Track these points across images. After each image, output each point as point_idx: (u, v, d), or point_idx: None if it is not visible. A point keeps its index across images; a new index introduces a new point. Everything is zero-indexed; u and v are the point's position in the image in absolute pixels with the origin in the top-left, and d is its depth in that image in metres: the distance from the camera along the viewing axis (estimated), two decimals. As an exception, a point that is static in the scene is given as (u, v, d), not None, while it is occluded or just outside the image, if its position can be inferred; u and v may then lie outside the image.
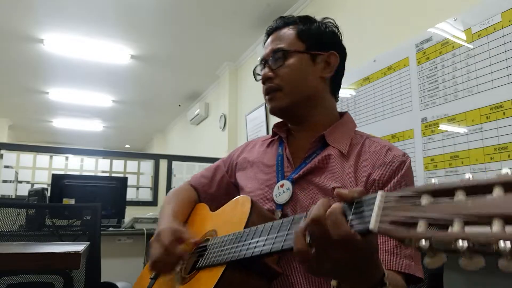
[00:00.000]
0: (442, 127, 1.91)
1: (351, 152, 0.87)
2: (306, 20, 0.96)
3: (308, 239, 0.53)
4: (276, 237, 0.61)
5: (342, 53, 0.96)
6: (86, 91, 5.65)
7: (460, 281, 1.70)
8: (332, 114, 0.95)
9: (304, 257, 0.53)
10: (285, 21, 0.96)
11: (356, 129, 0.96)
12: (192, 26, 3.78)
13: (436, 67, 1.97)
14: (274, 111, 0.94)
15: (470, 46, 1.80)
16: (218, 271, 0.70)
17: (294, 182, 0.86)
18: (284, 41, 0.92)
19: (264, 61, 0.95)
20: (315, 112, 0.93)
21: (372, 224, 0.46)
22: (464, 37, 1.84)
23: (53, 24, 3.73)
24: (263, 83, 0.94)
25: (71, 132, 7.92)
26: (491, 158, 1.67)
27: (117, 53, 4.33)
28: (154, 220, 3.13)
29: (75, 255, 0.80)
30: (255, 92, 4.21)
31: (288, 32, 0.93)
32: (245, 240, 0.68)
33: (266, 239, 0.62)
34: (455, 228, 0.36)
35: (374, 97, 2.37)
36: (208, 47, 4.24)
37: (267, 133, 3.78)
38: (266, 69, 0.93)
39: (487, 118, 1.70)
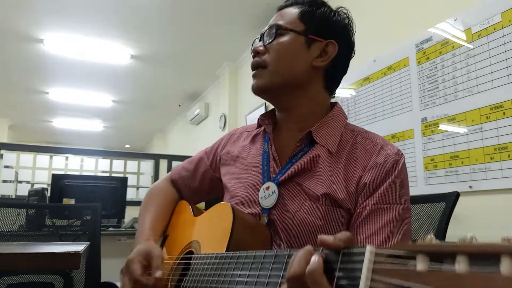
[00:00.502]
0: (442, 127, 1.91)
1: (340, 151, 0.81)
2: (316, 3, 0.88)
3: None
4: (258, 275, 0.59)
5: (346, 46, 0.88)
6: (86, 91, 5.65)
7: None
8: (321, 107, 0.88)
9: None
10: (295, 1, 0.89)
11: (348, 121, 0.89)
12: (192, 26, 3.78)
13: (436, 67, 1.97)
14: (255, 89, 0.87)
15: (470, 46, 1.80)
16: None
17: (280, 185, 0.81)
18: (285, 19, 0.86)
19: (261, 36, 0.88)
20: (300, 102, 0.86)
21: None
22: (464, 37, 1.84)
23: (53, 24, 3.74)
24: (253, 57, 0.87)
25: (71, 132, 7.92)
26: (491, 158, 1.67)
27: (117, 53, 4.33)
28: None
29: (75, 255, 0.80)
30: (255, 92, 4.21)
31: (292, 10, 0.87)
32: (226, 270, 0.66)
33: (247, 276, 0.61)
34: None
35: (374, 97, 2.37)
36: (208, 47, 4.25)
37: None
38: (259, 44, 0.87)
39: (487, 118, 1.70)
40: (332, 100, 0.92)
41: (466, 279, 0.32)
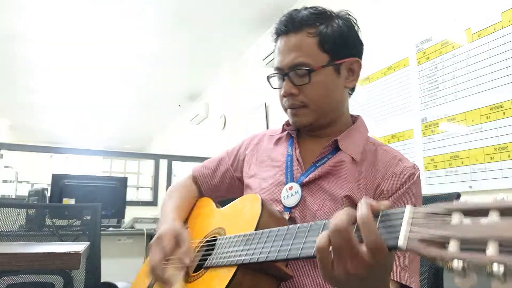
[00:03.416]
0: (442, 127, 1.91)
1: (363, 159, 0.85)
2: (325, 20, 0.86)
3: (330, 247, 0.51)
4: (292, 243, 0.59)
5: (362, 51, 0.91)
6: (86, 91, 5.65)
7: (460, 281, 1.70)
8: (346, 118, 0.93)
9: (324, 262, 0.52)
10: (301, 22, 0.85)
11: (368, 134, 0.94)
12: (193, 26, 3.79)
13: (436, 67, 1.97)
14: (299, 126, 0.91)
15: (470, 46, 1.80)
16: (229, 272, 0.67)
17: (303, 186, 0.85)
18: (305, 53, 0.84)
19: (283, 73, 0.87)
20: (333, 119, 0.90)
21: (401, 241, 0.44)
22: (464, 37, 1.84)
23: (53, 23, 3.73)
24: (284, 96, 0.88)
25: (71, 132, 7.92)
26: (491, 158, 1.67)
27: (117, 53, 4.32)
28: (154, 220, 3.13)
29: (75, 255, 0.80)
30: (255, 92, 4.21)
31: (307, 40, 0.84)
32: (257, 243, 0.65)
33: (281, 245, 0.61)
34: (490, 251, 0.36)
35: (374, 97, 2.37)
36: (208, 47, 4.25)
37: (267, 133, 3.77)
38: (289, 84, 0.86)
39: (487, 118, 1.70)
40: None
41: (500, 227, 0.36)
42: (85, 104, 6.17)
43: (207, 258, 0.77)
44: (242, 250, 0.67)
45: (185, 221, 1.01)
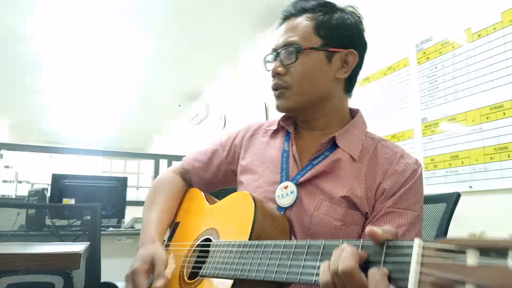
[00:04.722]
0: (442, 127, 1.91)
1: (362, 157, 0.82)
2: (327, 8, 0.86)
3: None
4: (290, 265, 0.57)
5: (362, 49, 0.89)
6: (86, 91, 5.65)
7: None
8: (343, 113, 0.89)
9: None
10: (303, 7, 0.86)
11: (367, 129, 0.91)
12: (193, 26, 3.78)
13: (436, 67, 1.97)
14: (280, 110, 0.88)
15: (470, 46, 1.80)
16: (226, 286, 0.66)
17: (299, 185, 0.81)
18: (299, 34, 0.84)
19: (276, 52, 0.87)
20: (325, 113, 0.87)
21: (411, 285, 0.41)
22: (464, 37, 1.84)
23: (52, 25, 3.73)
24: (273, 76, 0.87)
25: (71, 132, 7.92)
26: (491, 158, 1.67)
27: (117, 52, 4.32)
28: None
29: (75, 255, 0.79)
30: (255, 92, 4.21)
31: (305, 22, 0.84)
32: (252, 258, 0.63)
33: (278, 265, 0.58)
34: None
35: (374, 97, 2.37)
36: (208, 47, 4.24)
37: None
38: (277, 63, 0.86)
39: (487, 118, 1.70)
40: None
41: None
42: (85, 104, 6.17)
43: (201, 264, 0.76)
44: (237, 264, 0.66)
45: (175, 217, 1.00)
